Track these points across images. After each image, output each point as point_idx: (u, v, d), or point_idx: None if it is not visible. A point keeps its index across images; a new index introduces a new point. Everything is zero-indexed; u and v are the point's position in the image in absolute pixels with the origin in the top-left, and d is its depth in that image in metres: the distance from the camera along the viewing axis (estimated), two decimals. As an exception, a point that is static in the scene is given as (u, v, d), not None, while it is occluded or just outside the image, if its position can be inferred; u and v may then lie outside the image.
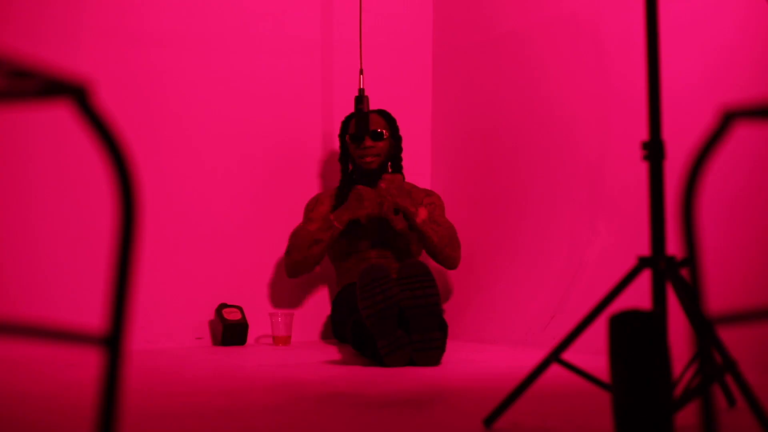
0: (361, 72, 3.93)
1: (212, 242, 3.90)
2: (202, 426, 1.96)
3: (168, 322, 3.69)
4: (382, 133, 3.85)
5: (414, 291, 2.97)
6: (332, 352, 3.51)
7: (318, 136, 4.20)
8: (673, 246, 1.91)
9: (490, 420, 1.86)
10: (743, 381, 1.79)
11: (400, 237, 3.84)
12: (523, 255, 3.83)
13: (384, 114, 3.94)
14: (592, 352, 2.36)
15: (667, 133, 1.94)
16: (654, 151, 1.81)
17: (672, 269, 1.75)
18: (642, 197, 2.50)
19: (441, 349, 2.99)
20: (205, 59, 3.97)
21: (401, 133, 4.02)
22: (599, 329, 1.81)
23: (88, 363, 2.66)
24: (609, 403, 1.68)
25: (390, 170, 3.95)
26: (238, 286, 3.90)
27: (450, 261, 3.83)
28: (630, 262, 1.83)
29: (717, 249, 2.82)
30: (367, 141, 3.84)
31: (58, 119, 2.89)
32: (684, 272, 1.79)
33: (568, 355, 1.85)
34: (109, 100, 2.95)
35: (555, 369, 1.88)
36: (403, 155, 4.04)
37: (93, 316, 2.58)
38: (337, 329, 3.78)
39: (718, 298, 2.46)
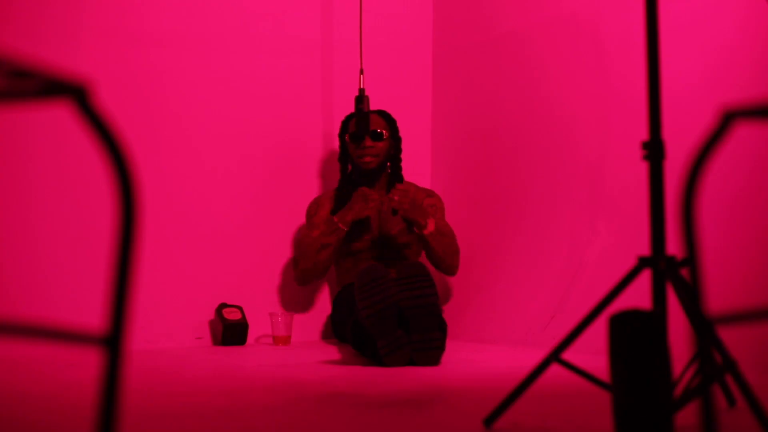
0: (361, 72, 3.93)
1: (212, 242, 3.89)
2: (202, 426, 1.96)
3: (168, 322, 3.69)
4: (381, 133, 3.85)
5: (413, 291, 2.97)
6: (332, 352, 3.51)
7: (318, 136, 4.20)
8: (673, 246, 1.92)
9: (490, 420, 1.86)
10: (743, 381, 1.79)
11: (400, 237, 3.84)
12: (523, 255, 3.83)
13: (384, 114, 3.94)
14: (592, 352, 2.36)
15: (667, 133, 1.94)
16: (654, 151, 1.81)
17: (672, 269, 1.75)
18: (642, 197, 2.50)
19: (441, 349, 2.99)
20: (205, 59, 3.97)
21: (401, 133, 4.02)
22: (599, 329, 1.81)
23: (88, 363, 2.66)
24: (609, 403, 1.68)
25: (389, 170, 3.95)
26: (238, 286, 3.90)
27: (450, 270, 3.86)
28: (630, 262, 1.83)
29: (717, 249, 2.82)
30: (366, 141, 3.84)
31: (58, 119, 2.88)
32: (684, 272, 1.79)
33: (568, 355, 1.85)
34: (109, 100, 2.95)
35: (555, 369, 1.88)
36: (403, 155, 4.04)
37: (93, 316, 2.57)
38: (337, 329, 3.78)
39: (718, 298, 2.46)
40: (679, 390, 1.91)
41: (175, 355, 3.39)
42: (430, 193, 3.97)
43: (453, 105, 4.38)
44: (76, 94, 0.96)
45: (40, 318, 3.35)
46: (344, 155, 3.96)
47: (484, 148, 4.16)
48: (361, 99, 3.83)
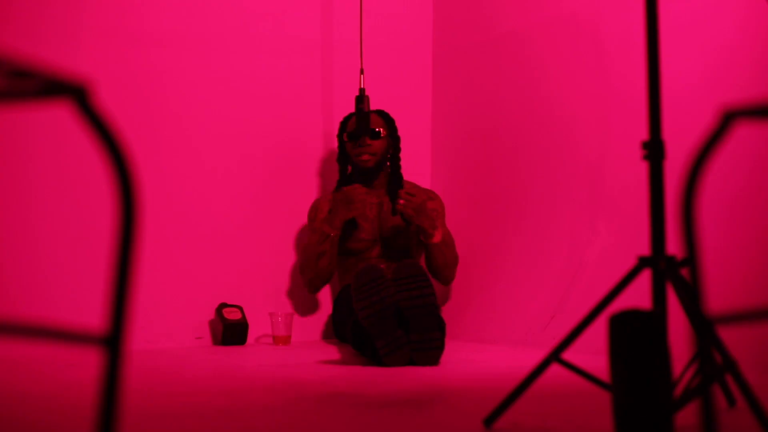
0: (361, 72, 3.93)
1: (212, 242, 3.90)
2: (202, 426, 1.96)
3: (168, 322, 3.69)
4: (379, 132, 3.86)
5: (411, 291, 2.97)
6: (332, 352, 3.51)
7: (318, 136, 4.20)
8: (673, 246, 1.91)
9: (490, 420, 1.86)
10: (743, 381, 1.79)
11: (400, 236, 3.84)
12: (523, 255, 3.83)
13: (382, 114, 3.94)
14: (592, 352, 2.36)
15: (667, 133, 1.94)
16: (654, 151, 1.81)
17: (672, 269, 1.75)
18: (642, 197, 2.50)
19: (440, 348, 2.99)
20: (205, 59, 3.97)
21: (401, 133, 4.02)
22: (599, 329, 1.81)
23: (88, 363, 2.66)
24: (609, 403, 1.68)
25: (388, 169, 3.96)
26: (238, 286, 3.90)
27: (447, 280, 3.90)
28: (630, 262, 1.83)
29: (717, 249, 2.82)
30: (364, 139, 3.84)
31: (58, 119, 2.88)
32: (684, 272, 1.79)
33: (568, 355, 1.85)
34: (109, 100, 2.95)
35: (555, 369, 1.88)
36: (403, 155, 4.04)
37: (93, 316, 2.57)
38: (337, 329, 3.78)
39: (718, 298, 2.46)
40: (679, 390, 1.91)
41: (175, 355, 3.39)
42: (431, 196, 3.96)
43: (453, 105, 4.38)
44: (76, 94, 0.96)
45: (40, 318, 3.35)
46: (343, 156, 3.96)
47: (484, 148, 4.16)
48: (361, 99, 3.83)
